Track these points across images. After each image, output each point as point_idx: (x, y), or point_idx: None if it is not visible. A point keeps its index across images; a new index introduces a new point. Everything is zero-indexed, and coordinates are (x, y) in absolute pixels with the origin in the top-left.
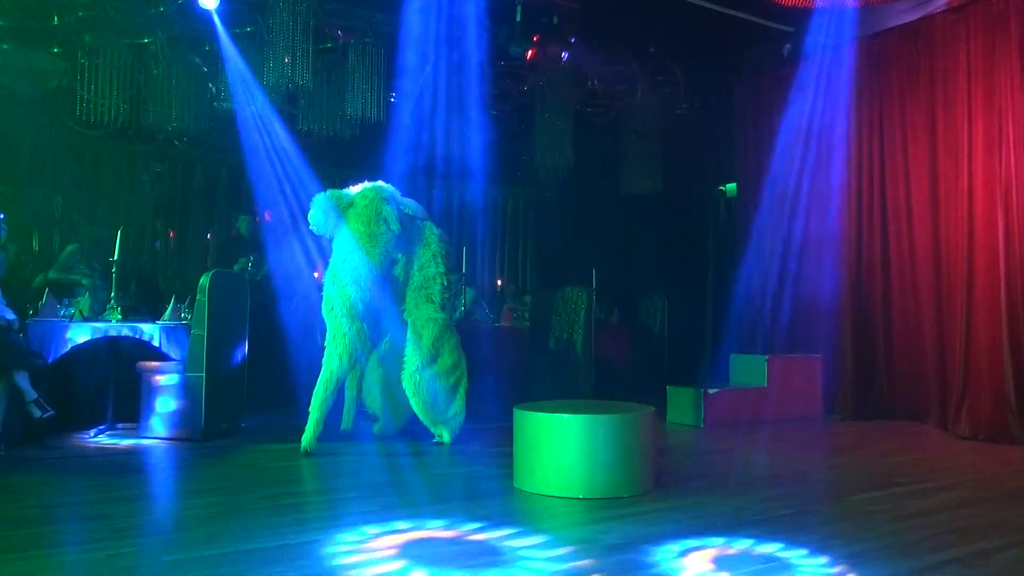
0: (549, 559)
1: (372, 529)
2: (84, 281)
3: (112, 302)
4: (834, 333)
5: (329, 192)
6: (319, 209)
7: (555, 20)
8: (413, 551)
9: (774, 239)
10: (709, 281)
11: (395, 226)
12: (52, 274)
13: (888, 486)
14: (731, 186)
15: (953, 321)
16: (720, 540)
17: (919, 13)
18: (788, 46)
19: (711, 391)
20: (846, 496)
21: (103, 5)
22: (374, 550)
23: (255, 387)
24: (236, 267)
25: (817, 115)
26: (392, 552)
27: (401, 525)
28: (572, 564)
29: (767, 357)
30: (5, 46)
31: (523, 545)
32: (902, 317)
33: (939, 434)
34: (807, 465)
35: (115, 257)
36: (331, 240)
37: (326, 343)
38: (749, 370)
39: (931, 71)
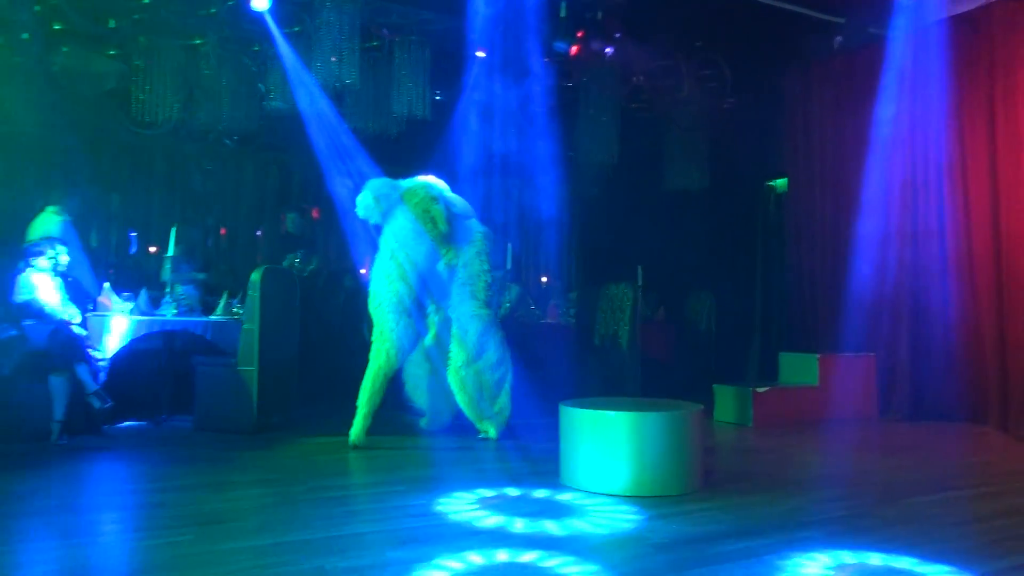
0: (595, 558)
1: (417, 523)
2: (199, 276)
3: (167, 298)
4: (889, 332)
5: (382, 180)
6: (370, 194)
7: (599, 16)
8: (460, 544)
9: (825, 235)
10: (757, 278)
11: (443, 226)
12: (168, 277)
13: (946, 489)
14: (781, 181)
15: (1015, 319)
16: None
17: (977, 2)
18: (839, 37)
19: (760, 389)
20: (902, 499)
21: (157, 8)
22: (421, 543)
23: (305, 380)
24: (284, 263)
25: (871, 108)
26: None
27: (451, 517)
28: (619, 562)
29: (819, 356)
30: (65, 49)
31: (567, 539)
32: (961, 315)
33: (999, 436)
34: (861, 466)
35: (169, 254)
36: (375, 228)
37: (373, 338)
38: (799, 369)
39: (990, 60)
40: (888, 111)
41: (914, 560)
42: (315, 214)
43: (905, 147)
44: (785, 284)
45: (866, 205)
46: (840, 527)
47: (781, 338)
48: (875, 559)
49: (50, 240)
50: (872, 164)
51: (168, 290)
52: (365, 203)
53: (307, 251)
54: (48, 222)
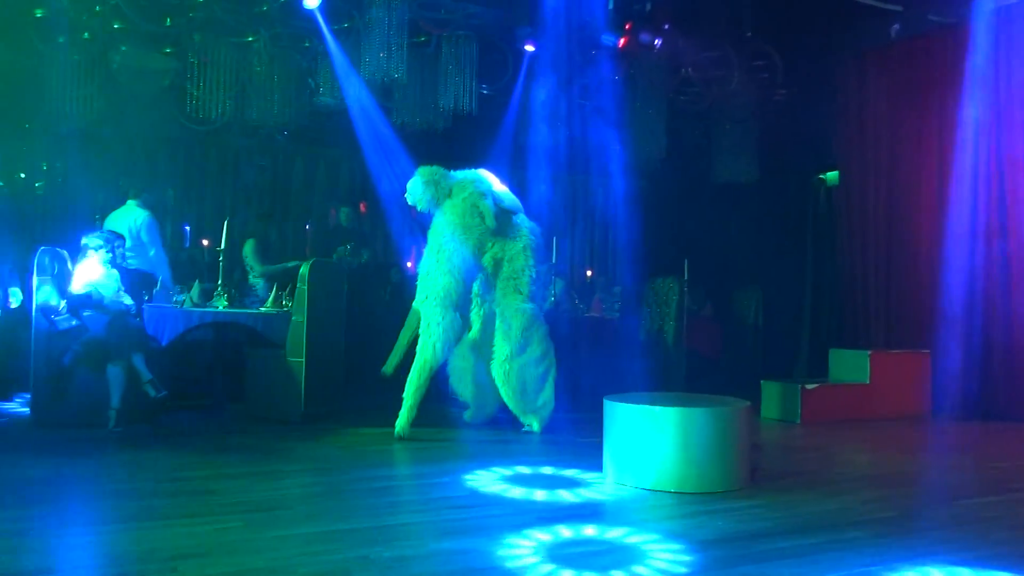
0: (640, 554)
1: (460, 515)
2: (290, 264)
3: (219, 290)
4: (943, 329)
5: (434, 167)
6: (420, 181)
7: (648, 7)
8: (503, 537)
9: (879, 229)
10: (807, 272)
11: (491, 222)
12: (263, 268)
13: (1004, 491)
14: (832, 174)
15: None
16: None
17: None
18: (897, 26)
19: (809, 386)
20: (957, 500)
21: (212, 6)
22: (465, 535)
23: (352, 372)
24: (335, 255)
25: (929, 99)
26: (483, 538)
27: (491, 511)
28: (664, 557)
29: (870, 352)
30: (124, 48)
31: (614, 536)
32: (1019, 312)
33: None
34: (913, 466)
35: (222, 247)
36: (420, 216)
37: (420, 332)
38: (850, 365)
39: None
40: (946, 102)
41: (968, 570)
42: (362, 208)
43: (964, 140)
44: (835, 279)
45: (925, 200)
46: (889, 528)
47: (831, 334)
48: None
49: (111, 233)
50: (927, 157)
51: (253, 280)
52: (415, 188)
53: (357, 244)
54: (129, 214)
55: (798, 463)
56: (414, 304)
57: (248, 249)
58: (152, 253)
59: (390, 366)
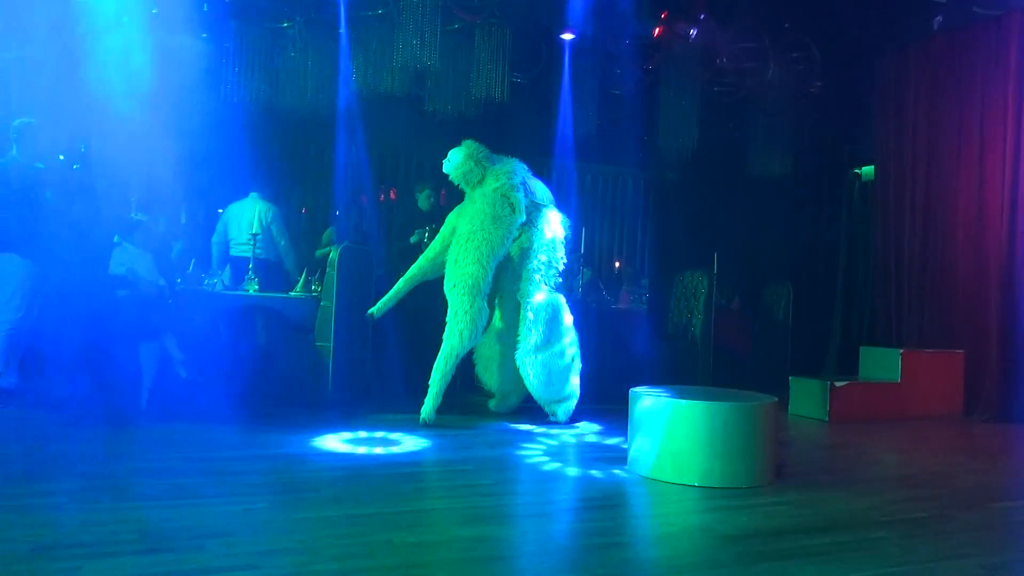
0: (663, 547)
1: (484, 502)
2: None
3: (250, 273)
4: (978, 328)
5: (480, 145)
6: (464, 153)
7: None
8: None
9: (915, 225)
10: (839, 269)
11: (521, 215)
12: (319, 252)
13: None
14: (868, 169)
15: None
16: (841, 538)
17: None
18: (939, 18)
19: (838, 384)
20: (989, 503)
21: None
22: (487, 522)
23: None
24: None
25: (971, 94)
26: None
27: (515, 500)
28: (686, 552)
29: (901, 351)
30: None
31: (637, 529)
32: None
33: None
34: (945, 467)
35: (255, 231)
36: (446, 191)
37: (447, 319)
38: (881, 364)
39: None
40: (986, 98)
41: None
42: (392, 195)
43: (1004, 137)
44: (868, 275)
45: (964, 197)
46: (916, 529)
47: (862, 331)
48: None
49: (148, 217)
50: (967, 153)
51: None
52: (455, 158)
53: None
54: (255, 206)
55: (825, 461)
56: (419, 265)
57: (328, 234)
58: (283, 243)
59: (379, 309)
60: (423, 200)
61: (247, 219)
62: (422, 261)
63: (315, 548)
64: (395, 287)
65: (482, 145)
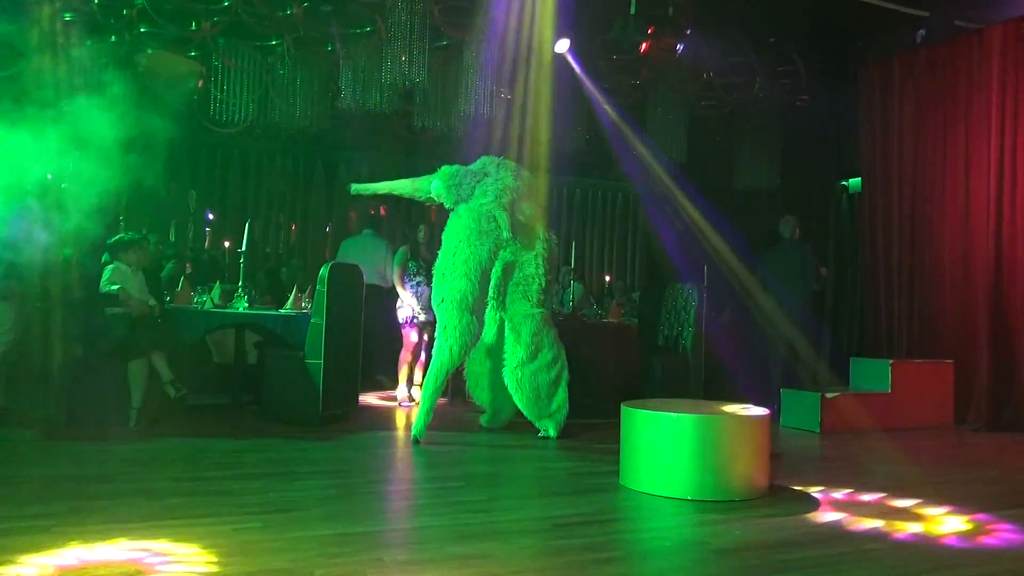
0: (655, 562)
1: (476, 519)
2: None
3: (239, 291)
4: (967, 338)
5: (454, 169)
6: (442, 185)
7: (670, 11)
8: (519, 542)
9: (903, 237)
10: (828, 280)
11: (506, 233)
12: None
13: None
14: (855, 181)
15: None
16: (835, 550)
17: None
18: (922, 31)
19: (830, 395)
20: (981, 513)
21: (236, 10)
22: (479, 539)
23: (369, 375)
24: (419, 236)
25: (955, 105)
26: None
27: (507, 516)
28: (679, 566)
29: (891, 362)
30: (149, 51)
31: (630, 544)
32: None
33: None
34: (936, 477)
35: (243, 249)
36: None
37: (436, 335)
38: (871, 374)
39: None
40: (971, 109)
41: None
42: (383, 211)
43: (989, 147)
44: (857, 287)
45: (950, 207)
46: (911, 539)
47: (852, 343)
48: None
49: (139, 236)
50: (952, 165)
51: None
52: (438, 191)
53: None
54: (371, 244)
55: (818, 472)
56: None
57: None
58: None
59: (361, 188)
60: (421, 235)
61: (370, 259)
62: (410, 181)
63: (307, 568)
64: (386, 185)
65: (456, 167)
